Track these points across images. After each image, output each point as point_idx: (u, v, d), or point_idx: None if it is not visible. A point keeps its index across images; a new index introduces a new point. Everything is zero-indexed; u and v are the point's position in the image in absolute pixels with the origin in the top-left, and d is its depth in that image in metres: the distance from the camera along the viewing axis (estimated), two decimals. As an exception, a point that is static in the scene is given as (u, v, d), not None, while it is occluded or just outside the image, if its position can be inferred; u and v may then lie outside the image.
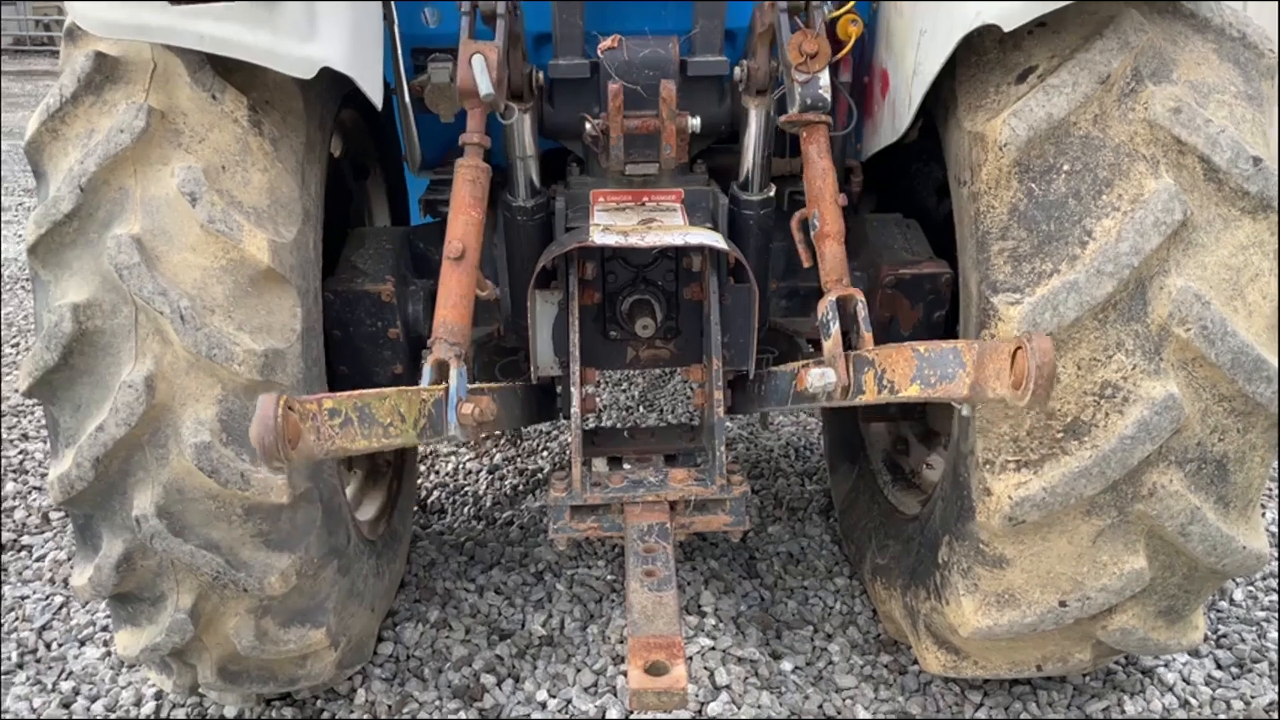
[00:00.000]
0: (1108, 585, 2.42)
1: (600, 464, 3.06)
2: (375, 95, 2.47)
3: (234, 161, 2.29)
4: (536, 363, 2.88)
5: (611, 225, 2.67)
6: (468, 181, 2.40)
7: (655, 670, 2.05)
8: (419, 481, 4.30)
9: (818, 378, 2.32)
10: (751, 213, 2.92)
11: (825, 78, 2.45)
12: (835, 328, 2.36)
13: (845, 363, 2.32)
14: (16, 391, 5.29)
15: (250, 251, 2.24)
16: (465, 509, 4.16)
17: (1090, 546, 2.40)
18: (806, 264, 2.57)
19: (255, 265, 2.26)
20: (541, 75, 2.73)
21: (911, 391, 2.11)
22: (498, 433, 4.41)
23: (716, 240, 2.60)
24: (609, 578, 3.52)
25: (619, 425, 4.66)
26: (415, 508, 4.07)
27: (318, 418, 1.90)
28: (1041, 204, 2.28)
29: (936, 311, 2.98)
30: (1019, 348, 1.83)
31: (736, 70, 2.71)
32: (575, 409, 2.71)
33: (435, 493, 4.29)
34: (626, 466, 2.97)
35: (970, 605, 2.55)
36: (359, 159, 3.44)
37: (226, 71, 2.29)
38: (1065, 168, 2.28)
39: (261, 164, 2.33)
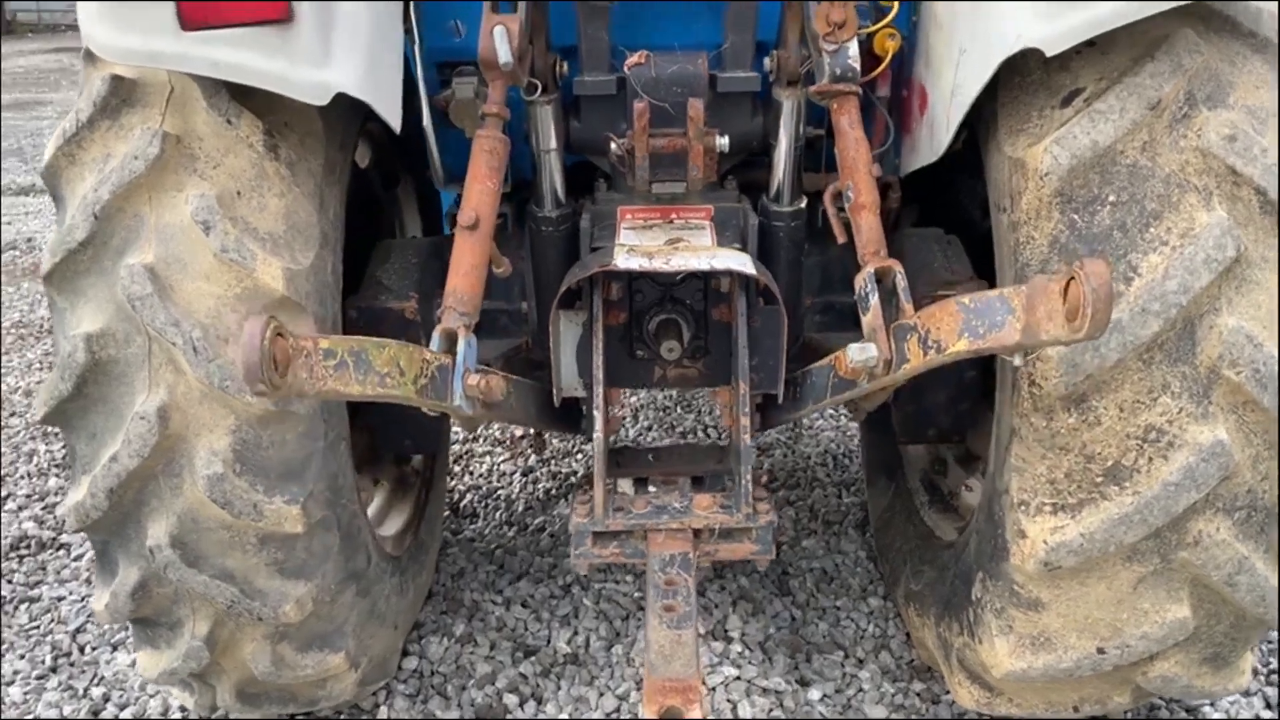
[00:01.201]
0: (1149, 633, 2.32)
1: (625, 484, 3.00)
2: (393, 119, 2.42)
3: (250, 187, 2.25)
4: (560, 383, 2.82)
5: (637, 246, 2.60)
6: (485, 152, 2.38)
7: (670, 716, 1.99)
8: (451, 484, 4.29)
9: (858, 352, 2.21)
10: (782, 225, 2.83)
11: (854, 47, 2.38)
12: (874, 300, 2.26)
13: (886, 334, 2.22)
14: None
15: (264, 280, 2.20)
16: (497, 514, 4.14)
17: (1131, 593, 2.30)
18: (841, 239, 2.49)
19: (269, 294, 2.22)
20: (565, 66, 2.67)
21: (960, 346, 1.99)
22: (530, 431, 4.35)
23: (744, 264, 2.51)
24: (636, 594, 3.47)
25: (644, 443, 4.57)
26: (446, 513, 4.06)
27: (311, 355, 1.81)
28: (1084, 237, 2.17)
29: (974, 333, 2.87)
30: (1070, 279, 1.73)
31: (767, 61, 2.62)
32: (599, 433, 2.65)
33: (468, 496, 4.26)
34: (651, 489, 2.90)
35: (1004, 647, 2.46)
36: (388, 168, 3.40)
37: (243, 95, 2.24)
38: (1110, 199, 2.16)
39: (278, 189, 2.29)
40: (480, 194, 2.34)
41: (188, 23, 2.07)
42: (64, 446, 4.72)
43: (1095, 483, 2.22)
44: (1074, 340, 1.78)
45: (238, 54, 2.10)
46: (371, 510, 3.14)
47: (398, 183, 3.51)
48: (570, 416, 3.02)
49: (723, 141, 2.63)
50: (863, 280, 2.28)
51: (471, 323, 2.28)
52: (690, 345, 2.86)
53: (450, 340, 2.23)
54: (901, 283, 2.26)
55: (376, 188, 3.36)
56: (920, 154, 2.67)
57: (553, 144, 2.69)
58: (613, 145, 2.61)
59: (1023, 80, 2.31)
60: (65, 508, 2.31)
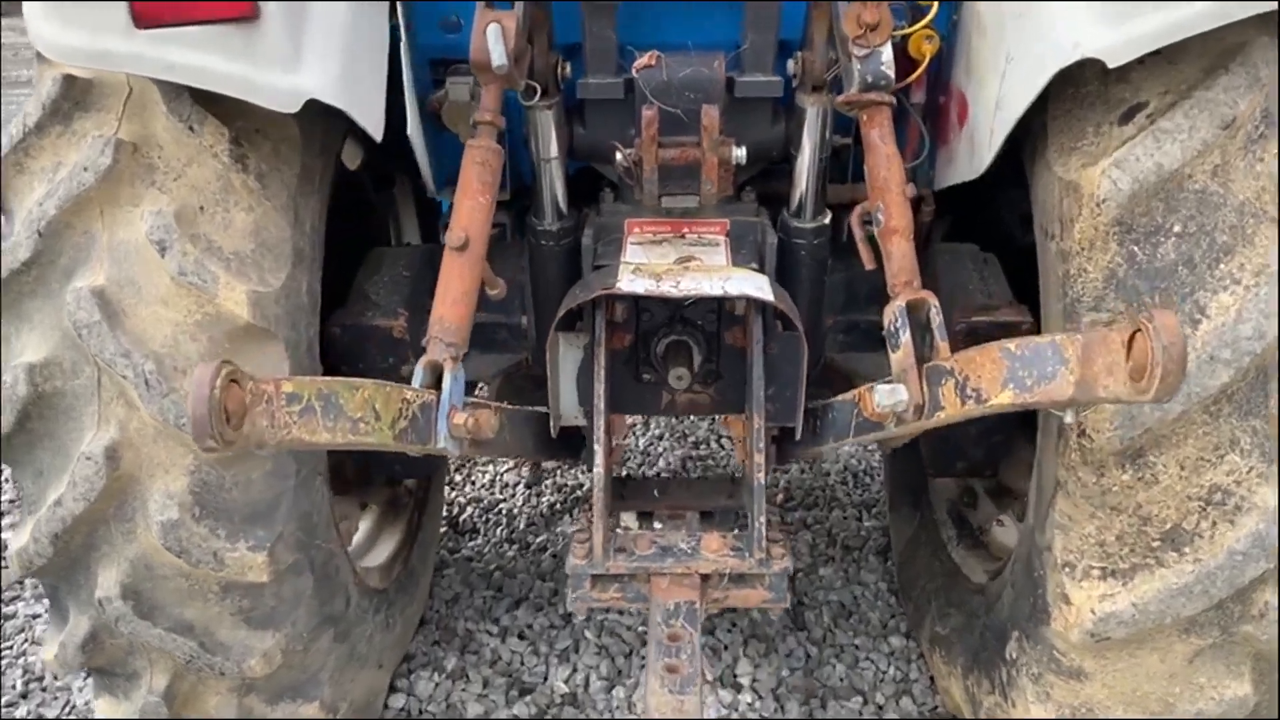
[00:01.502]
0: (1204, 710, 2.09)
1: (629, 518, 2.79)
2: (374, 127, 2.20)
3: (213, 201, 2.03)
4: (559, 411, 2.60)
5: (643, 266, 2.37)
6: (476, 164, 2.15)
7: (670, 793, 1.79)
8: (451, 496, 4.08)
9: (886, 395, 1.99)
10: (804, 242, 2.59)
11: (888, 52, 2.13)
12: (905, 337, 2.02)
13: (918, 375, 1.98)
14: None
15: (227, 306, 1.99)
16: (498, 529, 3.93)
17: (1186, 666, 2.07)
18: (869, 265, 2.25)
19: (232, 321, 2.00)
20: (569, 67, 2.43)
21: (1003, 399, 1.78)
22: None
23: (761, 289, 2.28)
24: (640, 628, 3.25)
25: (655, 451, 4.32)
26: (444, 529, 3.85)
27: (273, 401, 1.62)
28: (1145, 272, 1.93)
29: (1014, 363, 2.63)
30: (1137, 331, 1.53)
31: (790, 63, 2.38)
32: (599, 468, 2.43)
33: (468, 509, 4.06)
34: (657, 526, 2.69)
35: (1040, 713, 2.23)
36: (382, 170, 3.17)
37: (208, 99, 2.01)
38: (1176, 229, 1.91)
39: (245, 203, 2.07)
40: (470, 211, 2.11)
41: (141, 20, 1.85)
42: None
43: (1151, 547, 1.98)
44: (1138, 401, 1.56)
45: (197, 56, 1.88)
46: (357, 538, 2.94)
47: (393, 184, 3.28)
48: (571, 445, 2.80)
49: (739, 152, 2.38)
50: (893, 314, 2.04)
51: (459, 354, 2.06)
52: (701, 369, 2.63)
53: (435, 374, 2.02)
54: (936, 318, 2.02)
55: (369, 191, 3.14)
56: (958, 168, 2.43)
57: (554, 151, 2.46)
58: (619, 155, 2.37)
59: (1077, 92, 2.06)
60: (10, 551, 2.11)
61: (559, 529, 3.92)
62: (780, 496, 4.01)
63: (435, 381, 2.02)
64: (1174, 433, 1.91)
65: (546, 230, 2.56)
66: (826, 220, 2.56)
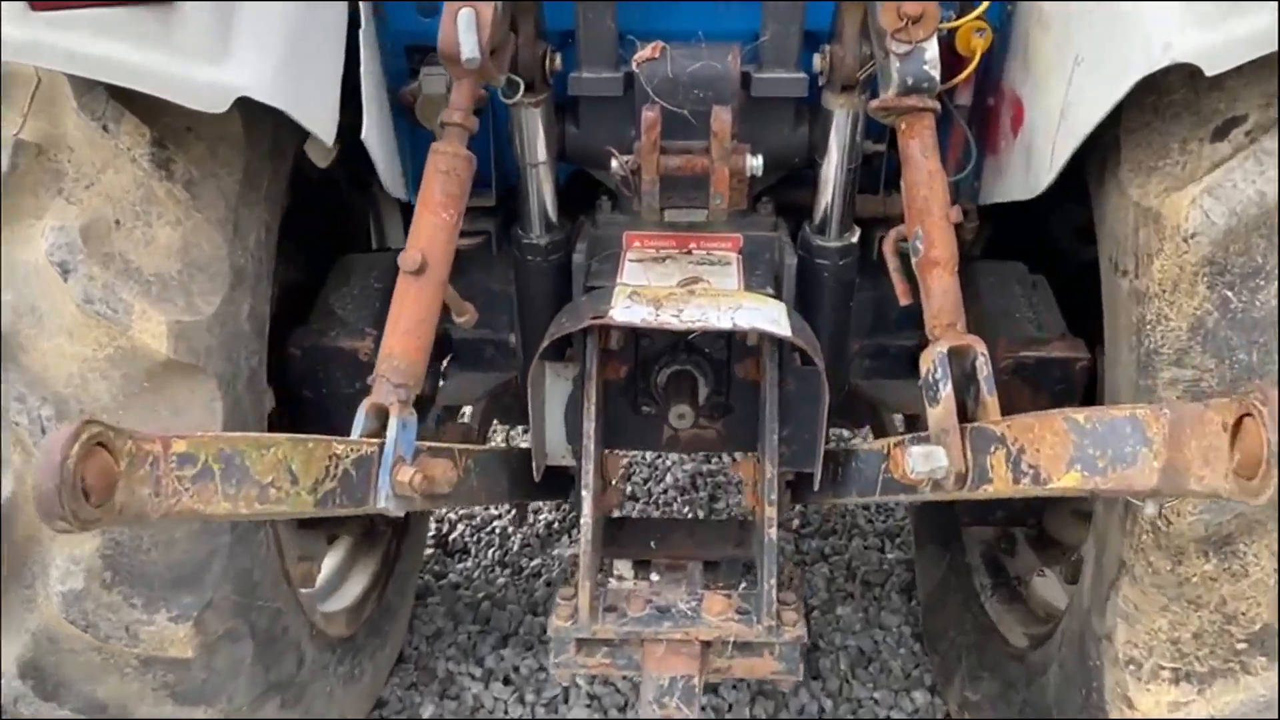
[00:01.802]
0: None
1: (624, 567, 2.48)
2: (323, 129, 1.89)
3: (132, 214, 1.73)
4: (544, 449, 2.29)
5: (642, 290, 2.06)
6: (440, 172, 1.83)
7: None
8: (443, 512, 3.78)
9: (921, 459, 1.66)
10: (828, 263, 2.27)
11: (932, 49, 1.81)
12: (946, 390, 1.69)
13: (961, 438, 1.66)
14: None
15: (142, 339, 1.69)
16: (490, 551, 3.64)
17: (1268, 786, 1.74)
18: (903, 300, 1.94)
19: (149, 356, 1.70)
20: (559, 58, 2.10)
21: (1068, 481, 1.46)
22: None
23: (775, 322, 1.96)
24: (636, 677, 2.95)
25: (662, 465, 3.98)
26: (431, 549, 3.57)
27: (159, 463, 1.32)
28: (1241, 322, 1.60)
29: (1065, 406, 2.30)
30: (1246, 414, 1.21)
31: (817, 59, 2.04)
32: (586, 518, 2.12)
33: (459, 527, 3.77)
34: (655, 578, 2.37)
35: (1089, 824, 1.92)
36: (360, 166, 2.85)
37: (129, 93, 1.70)
38: (1281, 272, 1.58)
39: (171, 215, 1.76)
40: (430, 228, 1.80)
41: (38, 1, 1.54)
42: None
43: (1235, 650, 1.66)
44: (1245, 501, 1.23)
45: (104, 45, 1.56)
46: (322, 577, 2.64)
47: (373, 183, 2.96)
48: (559, 483, 2.49)
49: (755, 162, 2.05)
50: (932, 362, 1.72)
51: (410, 396, 1.76)
52: (709, 403, 2.32)
53: (381, 419, 1.71)
54: (984, 369, 1.70)
55: (346, 191, 2.82)
56: (1010, 184, 2.09)
57: (542, 155, 2.14)
58: (614, 163, 2.04)
59: (1159, 100, 1.72)
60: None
61: (555, 551, 3.63)
62: (795, 522, 3.70)
63: (380, 429, 1.71)
64: (1269, 518, 1.58)
65: (533, 244, 2.24)
66: (854, 239, 2.24)
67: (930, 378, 1.72)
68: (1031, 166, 1.96)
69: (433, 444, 1.88)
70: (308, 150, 2.18)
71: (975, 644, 2.67)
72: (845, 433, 3.53)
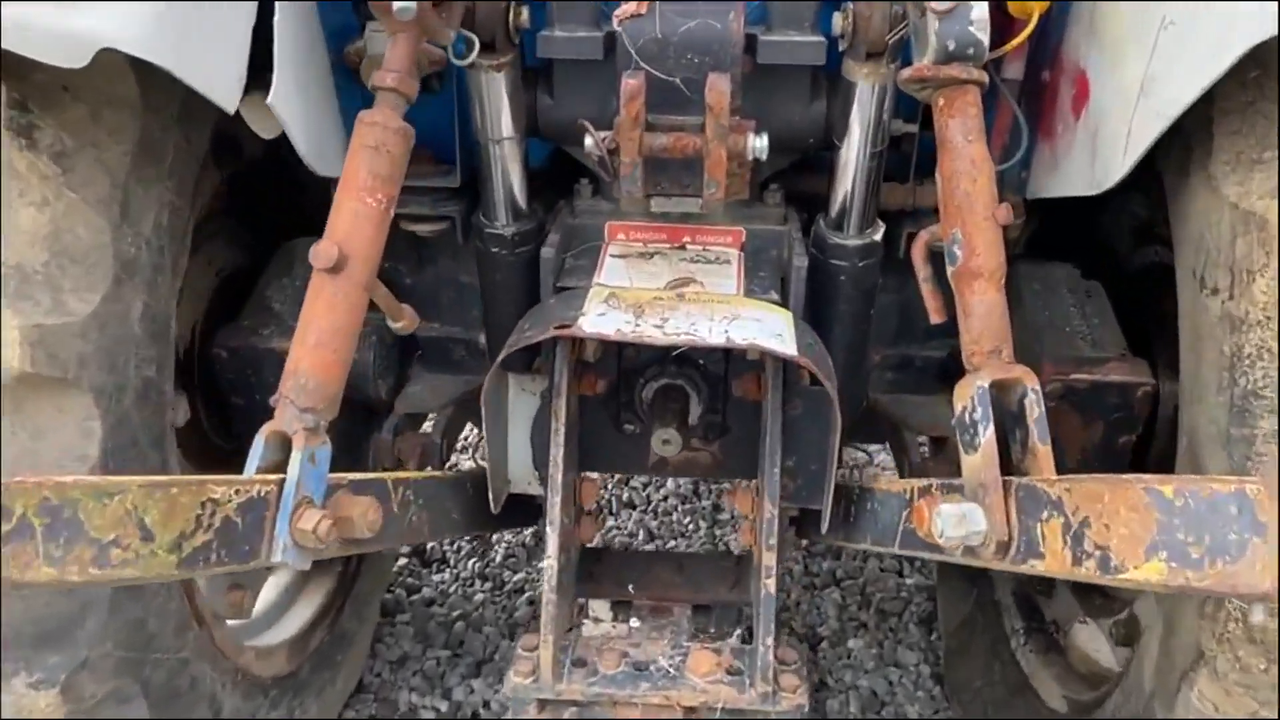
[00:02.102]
0: None
1: (601, 608, 2.16)
2: (222, 93, 1.55)
3: (-17, 192, 1.40)
4: (505, 474, 1.97)
5: (622, 293, 1.72)
6: (367, 148, 1.51)
7: None
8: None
9: (954, 522, 1.33)
10: (845, 264, 1.92)
11: (980, 8, 1.48)
12: (987, 433, 1.36)
13: (1006, 499, 1.32)
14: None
15: (-11, 348, 1.37)
16: (470, 562, 3.33)
17: None
18: (935, 317, 1.60)
19: (3, 369, 1.38)
20: (525, 13, 1.75)
21: (1149, 573, 1.11)
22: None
23: (779, 338, 1.62)
24: None
25: (655, 495, 3.59)
26: (406, 559, 3.26)
27: None
28: (1371, 363, 1.24)
29: (1122, 437, 1.96)
30: None
31: (837, 19, 1.68)
32: (551, 558, 1.80)
33: (439, 533, 3.45)
34: (635, 624, 2.05)
35: None
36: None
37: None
38: None
39: (36, 194, 1.44)
40: (353, 217, 1.47)
41: None
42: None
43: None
44: None
45: None
46: (260, 607, 2.31)
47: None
48: (525, 509, 2.17)
49: (759, 143, 1.70)
50: (970, 398, 1.37)
51: (321, 422, 1.44)
52: (702, 422, 1.99)
53: (283, 450, 1.40)
54: (1035, 410, 1.35)
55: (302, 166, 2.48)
56: (1070, 176, 1.73)
57: (507, 129, 1.80)
58: (588, 139, 1.68)
59: (1262, 79, 1.36)
60: None
61: (541, 563, 3.30)
62: (805, 541, 3.36)
63: (283, 461, 1.40)
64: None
65: (497, 234, 1.90)
66: (878, 236, 1.88)
67: (967, 417, 1.38)
68: (1099, 155, 1.60)
69: (357, 476, 1.56)
70: (245, 117, 1.84)
71: (1004, 698, 2.34)
72: (862, 453, 3.20)
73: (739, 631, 2.13)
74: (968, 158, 1.44)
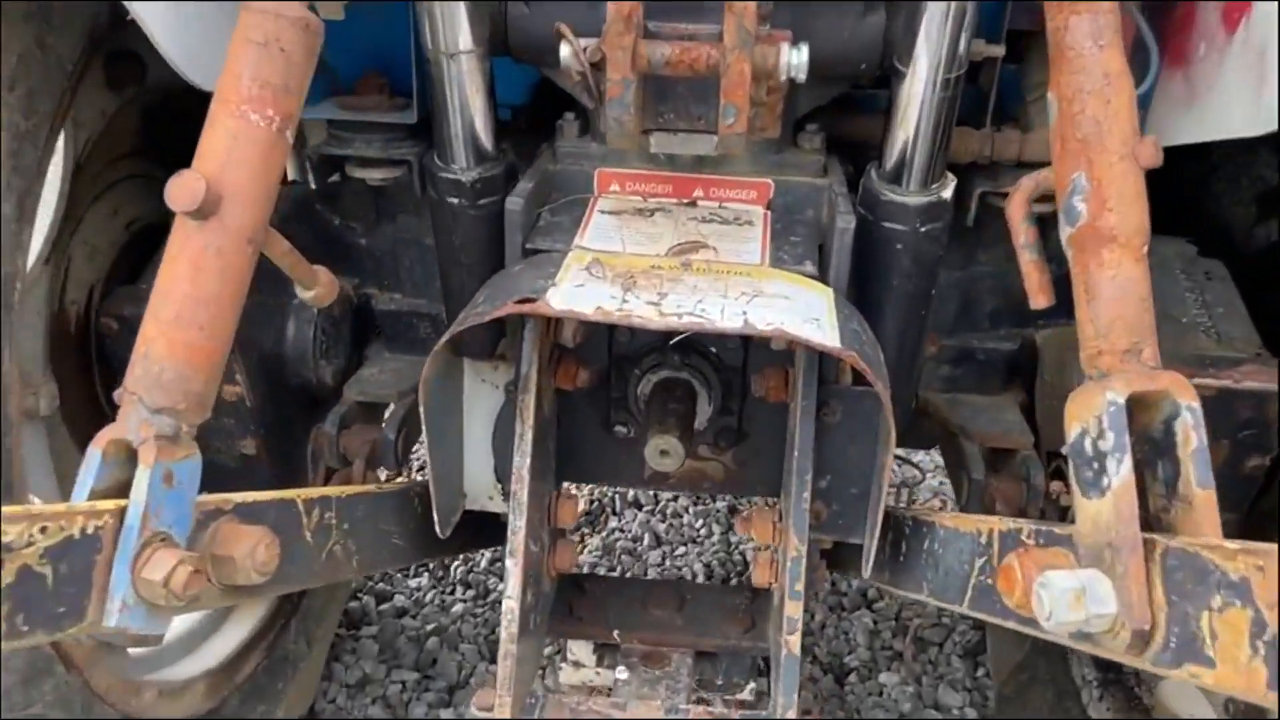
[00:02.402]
0: None
1: (582, 650, 1.76)
2: None
3: None
4: (457, 489, 1.56)
5: (608, 258, 1.31)
6: (254, 45, 1.11)
7: None
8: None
9: (1067, 603, 0.93)
10: (903, 229, 1.47)
11: None
12: (1123, 469, 0.95)
13: (1148, 573, 0.91)
14: None
15: None
16: (453, 567, 2.94)
17: None
18: (1039, 301, 1.19)
19: None
20: None
21: None
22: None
23: (812, 325, 1.20)
24: (610, 769, 2.23)
25: (635, 546, 3.16)
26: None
27: None
28: None
29: (1253, 460, 1.52)
30: None
31: None
32: (511, 599, 1.41)
33: (419, 531, 3.06)
34: (621, 675, 1.64)
35: None
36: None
37: None
38: None
39: None
40: (231, 141, 1.08)
41: None
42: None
43: None
44: None
45: None
46: (175, 630, 1.93)
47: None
48: (489, 529, 1.76)
49: (796, 59, 1.26)
50: (1097, 416, 0.95)
51: (183, 428, 1.05)
52: (714, 425, 1.58)
53: (129, 465, 1.02)
54: (1194, 438, 0.93)
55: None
56: (1218, 112, 1.29)
57: (465, 42, 1.38)
58: (564, 48, 1.25)
59: None
60: None
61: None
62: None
63: (120, 484, 1.01)
64: None
65: (454, 180, 1.48)
66: (946, 193, 1.44)
67: (1089, 445, 0.96)
68: (1265, 85, 1.16)
69: (246, 497, 1.16)
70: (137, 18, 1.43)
71: (1073, 767, 1.93)
72: (912, 468, 2.78)
73: (752, 684, 1.72)
74: (1100, 70, 1.01)
